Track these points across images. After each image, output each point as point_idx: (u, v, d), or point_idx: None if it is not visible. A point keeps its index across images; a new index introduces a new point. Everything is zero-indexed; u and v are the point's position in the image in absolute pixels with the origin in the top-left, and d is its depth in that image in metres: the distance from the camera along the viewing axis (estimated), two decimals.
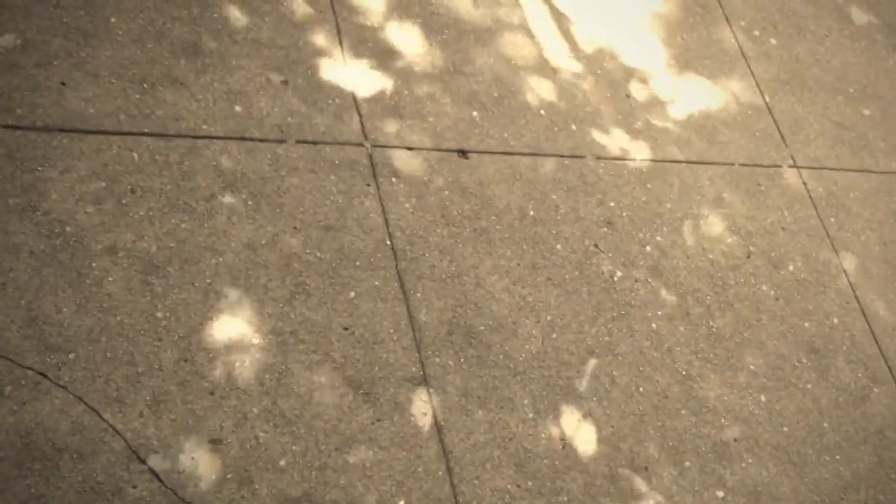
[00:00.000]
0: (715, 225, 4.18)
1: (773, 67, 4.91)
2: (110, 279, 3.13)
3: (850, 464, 3.76)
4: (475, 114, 4.05)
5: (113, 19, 3.66)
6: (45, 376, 2.90)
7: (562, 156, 4.09)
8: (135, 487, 2.83)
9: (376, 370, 3.29)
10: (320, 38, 3.96)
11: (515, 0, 4.50)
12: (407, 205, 3.68)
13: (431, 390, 3.32)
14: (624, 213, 4.03)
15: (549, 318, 3.64)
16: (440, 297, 3.52)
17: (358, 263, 3.48)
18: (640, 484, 3.41)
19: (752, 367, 3.85)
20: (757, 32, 5.02)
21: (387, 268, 3.51)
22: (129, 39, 3.64)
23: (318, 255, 3.44)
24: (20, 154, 3.24)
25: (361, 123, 3.81)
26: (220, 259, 3.31)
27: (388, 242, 3.57)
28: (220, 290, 3.24)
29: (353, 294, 3.41)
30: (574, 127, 4.20)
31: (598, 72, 4.45)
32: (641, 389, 3.62)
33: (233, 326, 3.19)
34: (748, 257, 4.15)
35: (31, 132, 3.30)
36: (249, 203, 3.45)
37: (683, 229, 4.11)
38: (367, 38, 4.05)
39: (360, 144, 3.76)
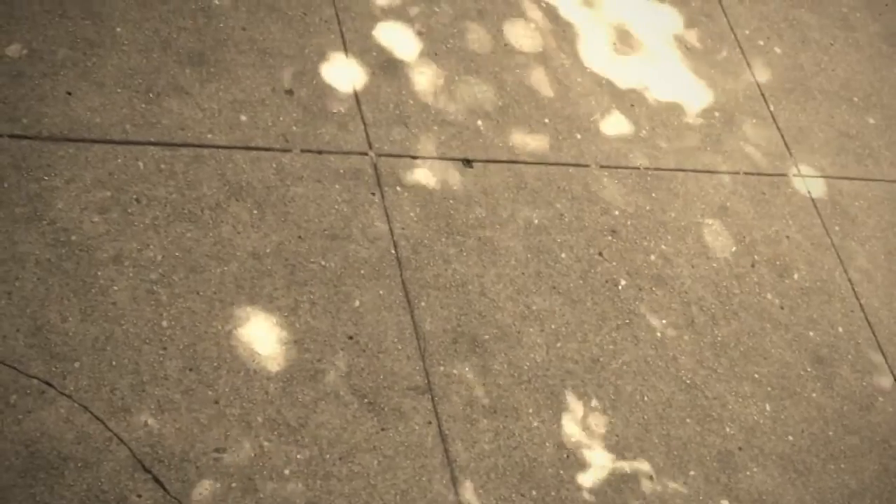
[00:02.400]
0: (719, 233, 4.18)
1: (777, 76, 4.92)
2: (116, 288, 3.14)
3: (855, 473, 3.76)
4: (480, 123, 4.05)
5: (119, 29, 3.68)
6: (51, 385, 2.91)
7: (566, 164, 4.10)
8: (139, 496, 2.83)
9: (381, 379, 3.29)
10: (325, 48, 3.98)
11: (521, 10, 4.51)
12: (412, 214, 3.69)
13: (436, 399, 3.32)
14: (628, 222, 4.04)
15: (553, 326, 3.64)
16: (444, 305, 3.53)
17: (362, 272, 3.48)
18: (645, 493, 3.41)
19: (756, 375, 3.84)
20: (761, 41, 5.03)
21: (391, 276, 3.52)
22: (134, 49, 3.66)
23: (323, 263, 3.45)
24: (26, 163, 3.26)
25: (366, 132, 3.82)
26: (226, 268, 3.31)
27: (393, 251, 3.58)
28: (224, 299, 3.25)
29: (357, 303, 3.41)
30: (579, 136, 4.21)
31: (603, 81, 4.45)
32: (646, 398, 3.61)
33: (237, 335, 3.20)
34: (753, 266, 4.15)
35: (37, 141, 3.32)
36: (254, 212, 3.46)
37: (688, 238, 4.11)
38: (371, 47, 4.06)
39: (365, 153, 3.77)
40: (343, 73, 3.94)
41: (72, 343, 3.00)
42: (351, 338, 3.34)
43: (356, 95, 3.90)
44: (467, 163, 3.93)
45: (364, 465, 3.12)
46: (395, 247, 3.59)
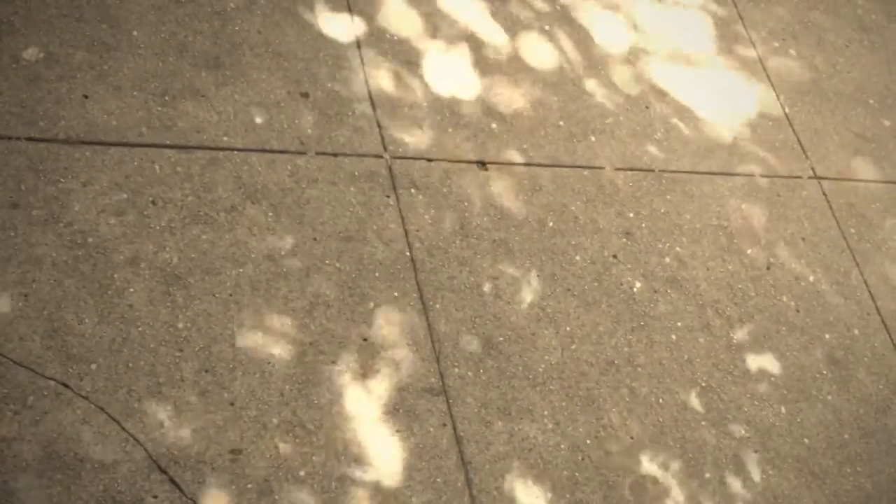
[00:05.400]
0: (734, 236, 4.17)
1: (792, 78, 4.90)
2: (132, 290, 3.16)
3: (871, 476, 3.74)
4: (494, 125, 4.06)
5: (135, 32, 3.70)
6: (67, 386, 2.93)
7: (581, 167, 4.10)
8: (155, 497, 2.84)
9: (395, 381, 3.29)
10: (340, 51, 3.99)
11: (535, 11, 4.51)
12: (426, 216, 3.69)
13: (450, 401, 3.33)
14: (643, 224, 4.03)
15: (568, 328, 3.64)
16: (459, 307, 3.53)
17: (377, 274, 3.49)
18: (661, 495, 3.40)
19: (772, 378, 3.83)
20: (776, 43, 5.02)
21: (406, 279, 3.52)
22: (150, 52, 3.67)
23: (338, 265, 3.46)
24: (43, 166, 3.27)
25: (381, 135, 3.82)
26: (241, 270, 3.32)
27: (408, 253, 3.58)
28: (240, 301, 3.26)
29: (372, 305, 3.42)
30: (593, 138, 4.21)
31: (617, 83, 4.45)
32: (661, 401, 3.61)
33: (253, 337, 3.21)
34: (768, 268, 4.14)
35: (53, 144, 3.33)
36: (270, 214, 3.47)
37: (703, 240, 4.10)
38: (387, 49, 4.07)
39: (380, 156, 3.78)
40: (358, 76, 3.95)
41: (88, 345, 3.01)
42: (365, 339, 3.34)
43: (371, 98, 3.91)
44: (482, 165, 3.93)
45: (379, 467, 3.12)
46: (410, 249, 3.60)
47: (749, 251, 4.16)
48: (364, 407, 3.21)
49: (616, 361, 3.63)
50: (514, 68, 4.28)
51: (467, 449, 3.26)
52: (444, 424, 3.27)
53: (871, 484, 3.72)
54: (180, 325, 3.15)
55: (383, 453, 3.15)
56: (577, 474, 3.33)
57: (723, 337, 3.86)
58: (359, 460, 3.11)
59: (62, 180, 3.27)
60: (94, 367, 2.98)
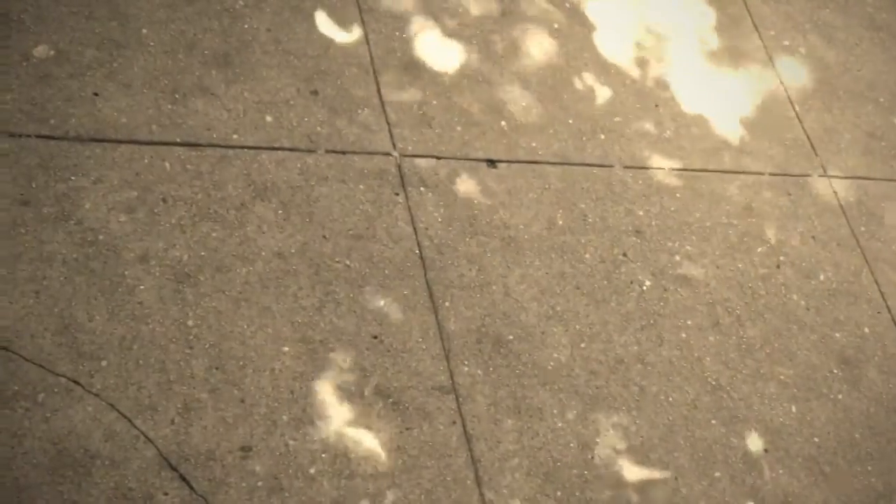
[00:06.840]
0: (744, 234, 4.16)
1: (802, 77, 4.89)
2: (142, 287, 3.16)
3: (882, 475, 3.73)
4: (503, 123, 4.05)
5: (145, 30, 3.70)
6: (78, 384, 2.93)
7: (590, 165, 4.09)
8: (166, 494, 2.85)
9: (405, 379, 3.29)
10: (350, 49, 3.99)
11: (544, 10, 4.51)
12: (436, 214, 3.69)
13: (460, 399, 3.32)
14: (653, 222, 4.02)
15: (577, 327, 3.63)
16: (469, 306, 3.53)
17: (387, 272, 3.49)
18: (670, 495, 3.39)
19: (782, 377, 3.82)
20: (787, 42, 5.00)
21: (415, 277, 3.52)
22: (160, 50, 3.68)
23: (348, 263, 3.46)
24: (54, 163, 3.28)
25: (390, 133, 3.82)
26: (251, 267, 3.33)
27: (417, 251, 3.58)
28: (250, 299, 3.26)
29: (382, 303, 3.42)
30: (602, 136, 4.20)
31: (627, 81, 4.44)
32: (671, 399, 3.60)
33: (263, 334, 3.21)
34: (778, 267, 4.13)
35: (64, 142, 3.34)
36: (280, 212, 3.48)
37: (713, 238, 4.09)
38: (396, 48, 4.07)
39: (389, 154, 3.77)
40: (367, 74, 3.95)
41: (99, 342, 3.02)
42: (375, 337, 3.34)
43: (380, 96, 3.91)
44: (491, 163, 3.93)
45: (389, 464, 3.12)
46: (420, 247, 3.60)
47: (759, 249, 4.15)
48: (374, 405, 3.21)
49: (625, 360, 3.63)
50: (524, 66, 4.27)
51: (477, 447, 3.26)
52: (454, 422, 3.27)
53: (882, 483, 3.71)
54: (190, 323, 3.15)
55: (392, 451, 3.15)
56: (586, 473, 3.33)
57: (733, 335, 3.85)
58: (368, 458, 3.11)
59: (72, 178, 3.28)
60: (104, 363, 2.99)
